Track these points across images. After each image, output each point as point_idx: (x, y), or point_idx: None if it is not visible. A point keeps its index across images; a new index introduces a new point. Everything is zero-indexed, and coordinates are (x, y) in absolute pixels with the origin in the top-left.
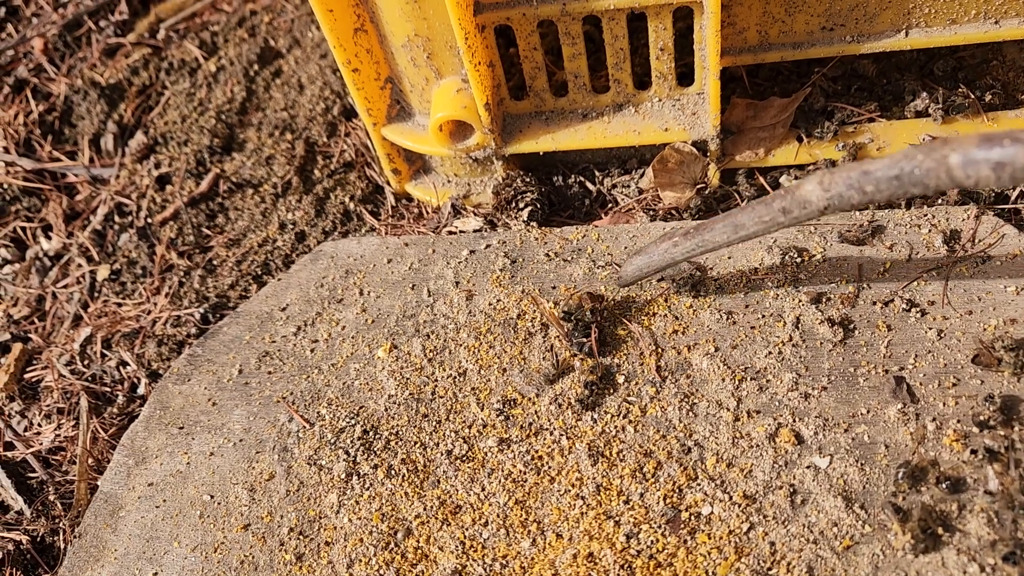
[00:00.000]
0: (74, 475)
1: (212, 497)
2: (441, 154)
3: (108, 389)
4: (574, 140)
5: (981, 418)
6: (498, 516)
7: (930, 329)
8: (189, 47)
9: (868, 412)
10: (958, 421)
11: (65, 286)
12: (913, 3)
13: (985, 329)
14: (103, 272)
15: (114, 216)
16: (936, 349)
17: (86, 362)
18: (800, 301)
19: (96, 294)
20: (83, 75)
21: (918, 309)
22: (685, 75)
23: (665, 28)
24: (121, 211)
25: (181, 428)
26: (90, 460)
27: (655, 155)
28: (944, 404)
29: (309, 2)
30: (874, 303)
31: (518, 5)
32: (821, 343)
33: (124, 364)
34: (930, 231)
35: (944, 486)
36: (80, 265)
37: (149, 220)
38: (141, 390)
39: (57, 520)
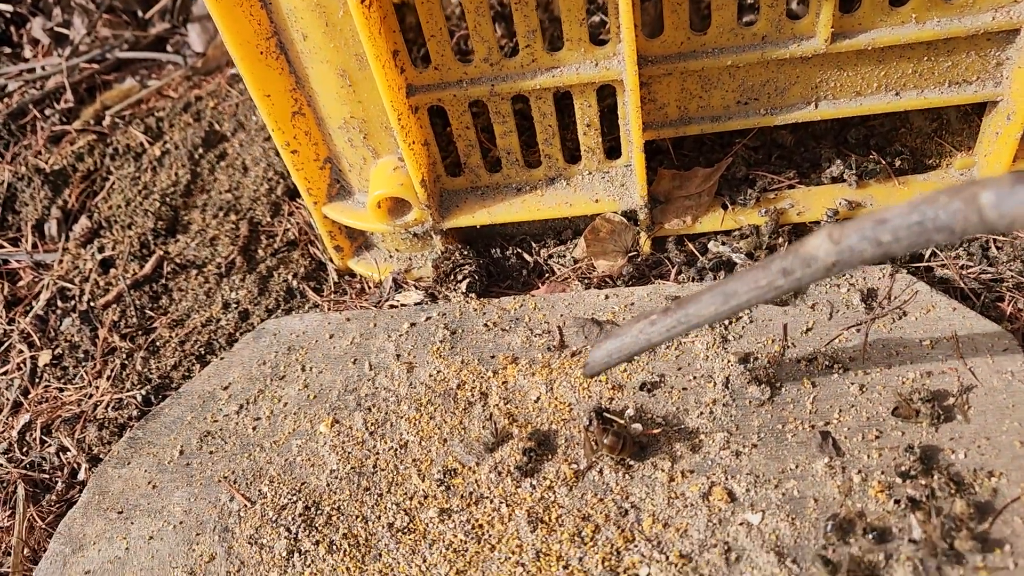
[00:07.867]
0: (8, 567)
1: None
2: (381, 230)
3: (47, 476)
4: (509, 213)
5: (903, 468)
6: None
7: (852, 384)
8: (134, 132)
9: (797, 467)
10: (882, 472)
11: (5, 372)
12: (820, 78)
13: (903, 382)
14: (44, 357)
15: (57, 301)
16: (859, 403)
17: (24, 449)
18: (729, 361)
19: (37, 380)
20: (27, 162)
21: (840, 365)
22: (614, 148)
23: (590, 105)
24: (64, 296)
25: (120, 513)
26: (26, 551)
27: (588, 225)
28: (868, 456)
29: (248, 88)
30: (799, 361)
31: (449, 87)
32: (750, 401)
33: (64, 450)
34: (848, 290)
35: (871, 536)
36: (21, 351)
37: (92, 304)
38: (81, 476)
39: None
